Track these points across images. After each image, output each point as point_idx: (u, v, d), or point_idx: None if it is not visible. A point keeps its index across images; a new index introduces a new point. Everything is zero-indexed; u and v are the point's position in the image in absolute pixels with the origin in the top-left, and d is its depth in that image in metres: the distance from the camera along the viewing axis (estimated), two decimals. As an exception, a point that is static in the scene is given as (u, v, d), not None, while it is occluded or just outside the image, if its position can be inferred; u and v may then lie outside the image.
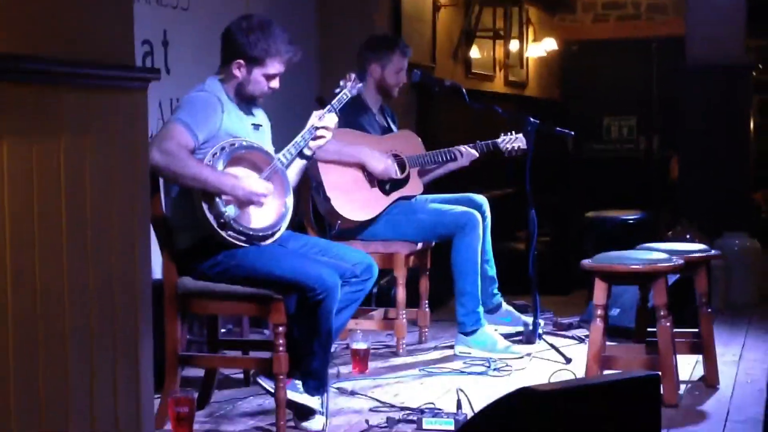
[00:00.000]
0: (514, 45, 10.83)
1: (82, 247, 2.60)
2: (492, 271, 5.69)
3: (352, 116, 5.35)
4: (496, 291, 5.75)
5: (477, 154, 5.67)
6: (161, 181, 4.11)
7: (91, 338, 2.64)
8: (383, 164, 5.34)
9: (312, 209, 5.34)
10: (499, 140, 5.72)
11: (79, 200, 2.58)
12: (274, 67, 4.24)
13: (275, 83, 4.29)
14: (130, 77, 2.73)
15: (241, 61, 4.21)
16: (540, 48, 11.53)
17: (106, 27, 2.75)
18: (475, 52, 9.76)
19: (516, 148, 5.72)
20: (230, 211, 4.01)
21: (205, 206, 3.98)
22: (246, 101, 4.30)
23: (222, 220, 4.00)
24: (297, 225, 5.33)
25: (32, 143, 2.43)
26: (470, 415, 4.04)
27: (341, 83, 4.56)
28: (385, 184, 5.41)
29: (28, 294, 2.47)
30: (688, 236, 6.68)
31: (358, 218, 5.30)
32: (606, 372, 4.41)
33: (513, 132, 5.74)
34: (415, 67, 6.43)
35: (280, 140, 4.38)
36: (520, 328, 5.69)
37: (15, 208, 2.40)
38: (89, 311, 2.63)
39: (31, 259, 2.48)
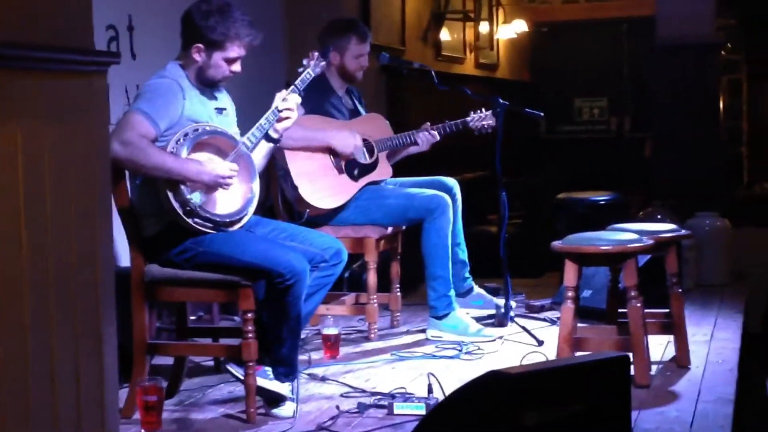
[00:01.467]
0: (484, 27, 10.81)
1: (41, 235, 2.56)
2: (463, 254, 5.66)
3: (318, 100, 5.29)
4: (467, 275, 5.73)
5: (438, 138, 5.61)
6: (126, 169, 4.05)
7: (51, 327, 2.59)
8: (351, 144, 5.28)
9: (281, 196, 5.28)
10: (468, 118, 5.67)
11: (38, 187, 2.54)
12: (234, 50, 4.19)
13: (236, 67, 4.23)
14: (88, 61, 2.68)
15: (201, 45, 4.16)
16: (510, 30, 11.52)
17: (63, 9, 2.70)
18: (444, 35, 9.74)
19: (485, 126, 5.68)
20: (196, 198, 3.97)
21: (170, 194, 3.94)
22: (208, 86, 4.25)
23: (188, 208, 3.95)
24: (267, 209, 5.29)
25: (-13, 129, 2.38)
26: (441, 399, 4.02)
27: (304, 62, 4.51)
28: (354, 170, 5.37)
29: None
30: (659, 216, 6.68)
31: (326, 206, 5.25)
32: (578, 354, 4.39)
33: (482, 109, 5.69)
34: (385, 50, 6.40)
35: (250, 124, 4.33)
36: (492, 311, 5.67)
37: (-29, 197, 2.35)
38: (49, 299, 2.59)
39: (-12, 248, 2.43)
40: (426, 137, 5.58)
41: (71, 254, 2.65)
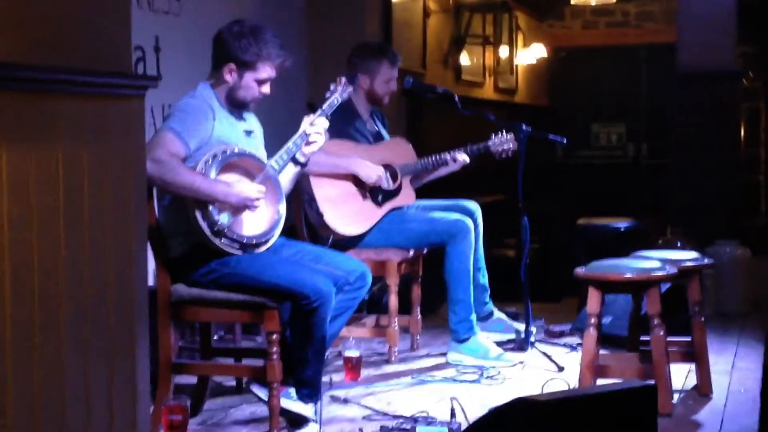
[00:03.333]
0: (503, 51, 10.85)
1: (79, 255, 2.59)
2: (484, 279, 5.67)
3: (342, 125, 5.31)
4: (487, 299, 5.73)
5: (468, 160, 5.64)
6: (154, 188, 4.08)
7: (88, 346, 2.62)
8: (375, 173, 5.31)
9: (304, 221, 5.30)
10: (490, 142, 5.68)
11: (77, 208, 2.57)
12: (266, 71, 4.22)
13: (266, 88, 4.27)
14: (127, 84, 2.72)
15: (233, 65, 4.19)
16: (529, 54, 11.55)
17: (104, 34, 2.74)
18: (465, 59, 9.77)
19: (506, 150, 5.69)
20: (224, 218, 4.00)
21: (198, 214, 3.96)
22: (237, 107, 4.28)
23: (216, 228, 3.98)
24: (289, 230, 5.31)
25: (29, 151, 2.41)
26: (463, 423, 4.03)
27: (331, 87, 4.54)
28: (378, 195, 5.38)
29: (26, 302, 2.45)
30: (679, 244, 6.68)
31: (351, 233, 5.26)
32: (599, 381, 4.40)
33: (503, 132, 5.70)
34: (406, 73, 6.43)
35: (271, 146, 4.36)
36: (512, 336, 5.68)
37: (13, 217, 2.38)
38: (86, 318, 2.61)
39: (29, 267, 2.46)
40: (459, 158, 5.59)
41: (108, 273, 2.68)
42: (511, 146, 5.68)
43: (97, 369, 2.67)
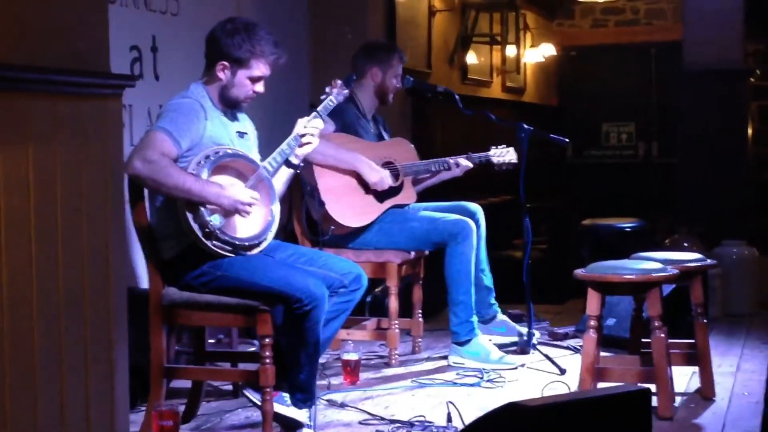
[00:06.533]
0: (511, 50, 10.77)
1: (51, 259, 2.53)
2: (488, 280, 5.61)
3: (348, 119, 5.32)
4: (493, 301, 5.68)
5: (471, 166, 5.61)
6: (145, 190, 4.02)
7: (62, 353, 2.56)
8: (378, 175, 5.27)
9: (305, 214, 5.26)
10: (491, 153, 5.66)
11: (49, 210, 2.51)
12: (259, 69, 4.17)
13: (260, 87, 4.21)
14: (101, 84, 2.66)
15: (226, 63, 4.14)
16: (538, 53, 11.47)
17: (81, 33, 2.68)
18: (471, 58, 9.70)
19: (507, 162, 5.66)
20: (215, 220, 3.94)
21: (189, 216, 3.90)
22: (230, 106, 4.22)
23: (207, 230, 3.92)
24: (287, 234, 5.26)
25: (-1, 151, 2.36)
26: (460, 427, 3.97)
27: (327, 89, 4.49)
28: (379, 191, 5.34)
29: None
30: (685, 244, 6.61)
31: (352, 224, 5.23)
32: (600, 384, 4.33)
33: (504, 145, 5.68)
34: (410, 73, 6.37)
35: (273, 148, 4.29)
36: (515, 338, 5.61)
37: (-20, 219, 2.33)
38: (59, 325, 2.56)
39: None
40: (462, 164, 5.56)
41: (83, 278, 2.63)
42: (512, 159, 5.67)
43: (72, 376, 2.62)
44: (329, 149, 4.98)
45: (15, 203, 2.40)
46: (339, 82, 4.52)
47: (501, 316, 5.74)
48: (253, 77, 4.17)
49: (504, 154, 5.66)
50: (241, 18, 4.29)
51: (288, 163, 4.27)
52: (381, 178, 5.28)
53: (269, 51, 4.17)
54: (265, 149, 4.36)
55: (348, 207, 5.23)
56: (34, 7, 2.56)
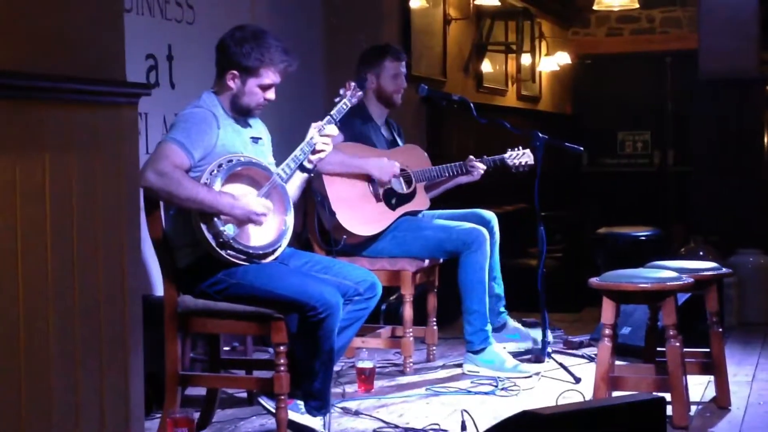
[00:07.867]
0: (526, 59, 10.76)
1: (67, 267, 2.54)
2: (499, 288, 5.61)
3: (357, 128, 5.31)
4: (502, 309, 5.67)
5: (484, 168, 5.60)
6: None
7: (77, 361, 2.57)
8: (388, 172, 5.25)
9: (317, 224, 5.26)
10: (506, 155, 5.66)
11: (65, 218, 2.52)
12: (269, 77, 4.17)
13: (271, 94, 4.21)
14: (117, 92, 2.68)
15: (236, 72, 4.14)
16: (553, 62, 11.46)
17: (97, 42, 2.69)
18: (486, 66, 9.70)
19: (523, 164, 5.66)
20: (229, 230, 3.94)
21: (203, 226, 3.91)
22: (242, 114, 4.23)
23: (221, 240, 3.92)
24: (302, 242, 5.26)
25: (15, 160, 2.37)
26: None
27: (341, 92, 4.47)
28: (391, 199, 5.34)
29: (10, 316, 2.40)
30: (701, 253, 6.59)
31: (363, 233, 5.23)
32: (615, 393, 4.32)
33: (520, 147, 5.68)
34: (425, 81, 6.38)
35: (287, 155, 4.29)
36: (529, 345, 5.61)
37: (-2, 226, 2.34)
38: (75, 333, 2.56)
39: (14, 278, 2.42)
40: (477, 167, 5.55)
41: (98, 287, 2.64)
42: (528, 160, 5.66)
43: (87, 383, 2.62)
44: (337, 157, 4.97)
45: (31, 211, 2.41)
46: (352, 84, 4.51)
47: (512, 323, 5.73)
48: (263, 85, 4.18)
49: (520, 156, 5.66)
50: (250, 26, 4.29)
51: (302, 168, 4.27)
52: (392, 174, 5.23)
53: (279, 59, 4.18)
54: (279, 156, 4.37)
55: (359, 216, 5.22)
56: (49, 15, 2.57)
